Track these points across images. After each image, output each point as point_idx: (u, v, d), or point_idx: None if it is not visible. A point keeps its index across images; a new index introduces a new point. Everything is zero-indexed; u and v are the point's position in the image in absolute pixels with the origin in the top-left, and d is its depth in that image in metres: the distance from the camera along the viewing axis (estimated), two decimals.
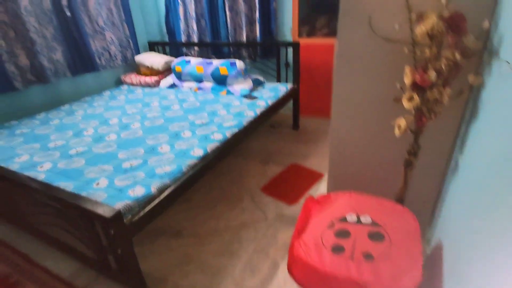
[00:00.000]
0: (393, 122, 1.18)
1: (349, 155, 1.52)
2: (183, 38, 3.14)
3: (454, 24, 0.89)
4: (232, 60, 2.63)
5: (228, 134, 1.81)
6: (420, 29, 0.96)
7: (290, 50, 2.68)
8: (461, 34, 0.91)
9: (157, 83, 2.93)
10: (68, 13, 2.49)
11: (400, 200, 1.32)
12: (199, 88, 2.71)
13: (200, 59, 2.81)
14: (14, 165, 1.55)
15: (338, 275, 0.95)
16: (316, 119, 2.98)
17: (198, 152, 1.60)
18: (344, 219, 1.15)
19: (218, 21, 2.91)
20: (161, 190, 1.34)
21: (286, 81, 2.80)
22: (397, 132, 1.16)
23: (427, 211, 1.45)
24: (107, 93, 2.77)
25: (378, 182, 1.50)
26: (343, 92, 1.41)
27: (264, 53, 2.85)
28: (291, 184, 2.09)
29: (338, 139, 1.52)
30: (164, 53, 3.29)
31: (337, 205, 1.23)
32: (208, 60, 2.75)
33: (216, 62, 2.67)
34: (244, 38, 2.83)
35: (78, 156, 1.64)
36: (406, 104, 1.10)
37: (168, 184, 1.38)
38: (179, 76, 2.83)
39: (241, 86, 2.54)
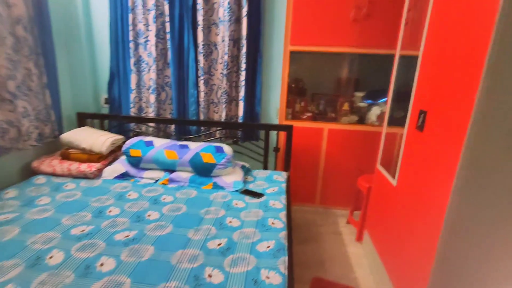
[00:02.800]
0: None
1: (466, 270, 1.21)
2: (132, 112, 2.43)
3: None
4: (217, 144, 2.11)
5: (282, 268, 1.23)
6: None
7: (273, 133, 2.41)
8: None
9: (98, 173, 2.05)
10: None
11: None
12: (171, 181, 2.01)
13: (166, 141, 2.16)
14: None
15: None
16: (302, 207, 2.64)
17: None
18: None
19: (187, 95, 2.40)
20: None
21: (275, 168, 2.43)
22: None
23: None
24: (10, 193, 1.71)
25: None
26: (464, 211, 1.13)
27: (247, 136, 2.45)
28: None
29: (448, 263, 1.19)
30: (102, 128, 2.45)
31: None
32: (180, 143, 2.14)
33: (193, 146, 2.08)
34: (222, 117, 2.39)
35: None
36: None
37: None
38: (135, 162, 2.07)
39: (233, 177, 2.01)
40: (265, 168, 2.40)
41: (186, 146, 2.09)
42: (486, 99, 0.99)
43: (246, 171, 2.20)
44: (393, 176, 1.66)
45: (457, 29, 1.16)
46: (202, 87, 2.34)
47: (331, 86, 2.64)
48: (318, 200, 2.61)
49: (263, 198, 1.84)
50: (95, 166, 2.03)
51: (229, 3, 2.13)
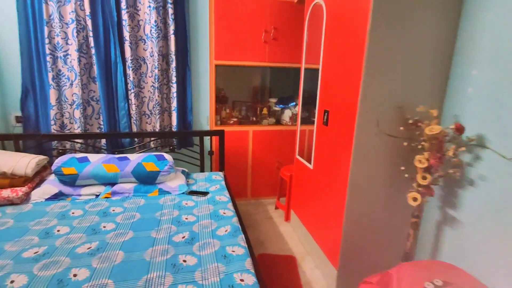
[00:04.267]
0: (409, 195, 1.55)
1: (363, 227, 1.73)
2: (53, 129, 2.30)
3: (457, 129, 1.43)
4: (156, 153, 2.23)
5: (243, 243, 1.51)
6: (430, 131, 1.43)
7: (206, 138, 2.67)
8: (460, 134, 1.45)
9: (25, 197, 1.90)
10: None
11: (411, 256, 1.66)
12: (114, 193, 2.04)
13: (102, 156, 2.15)
14: None
15: None
16: (237, 201, 2.95)
17: None
18: (435, 285, 1.32)
19: (117, 108, 2.41)
20: None
21: (211, 169, 2.67)
22: (413, 203, 1.54)
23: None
24: None
25: (385, 242, 1.79)
26: (359, 177, 1.64)
27: (182, 143, 2.61)
28: (278, 279, 1.95)
29: (353, 215, 1.69)
30: (17, 150, 2.22)
31: (418, 274, 1.38)
32: (118, 156, 2.17)
33: (133, 158, 2.15)
34: (157, 128, 2.50)
35: None
36: (421, 181, 1.51)
37: None
38: (70, 181, 2.00)
39: (176, 182, 2.17)
40: (202, 170, 2.63)
41: (125, 158, 2.14)
42: (363, 100, 1.52)
43: (187, 175, 2.38)
44: (310, 162, 2.16)
45: (343, 49, 1.69)
46: (133, 100, 2.40)
47: (249, 94, 3.08)
48: (249, 193, 2.99)
49: (209, 196, 2.08)
50: (21, 190, 1.88)
51: (155, 22, 2.29)
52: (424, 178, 1.51)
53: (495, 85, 1.35)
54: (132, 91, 2.38)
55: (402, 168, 1.61)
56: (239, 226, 1.69)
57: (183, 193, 2.11)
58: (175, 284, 1.20)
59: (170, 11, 2.31)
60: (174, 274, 1.26)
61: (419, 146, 1.53)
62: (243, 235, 1.58)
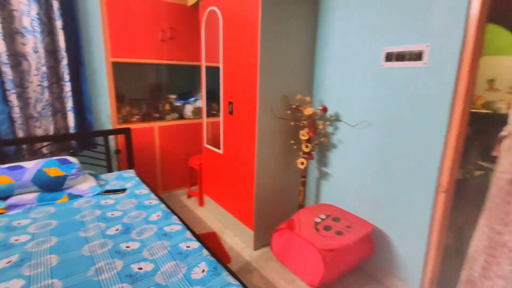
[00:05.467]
0: (298, 161, 2.10)
1: (269, 191, 2.18)
2: None
3: (323, 109, 2.03)
4: (57, 157, 2.06)
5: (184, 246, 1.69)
6: (307, 112, 2.00)
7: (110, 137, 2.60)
8: (325, 113, 2.06)
9: None
10: None
11: (303, 205, 2.24)
12: (11, 207, 1.81)
13: None
14: None
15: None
16: None
17: None
18: (321, 218, 1.88)
19: None
20: None
21: (119, 169, 2.61)
22: (301, 166, 2.10)
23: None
24: None
25: (285, 200, 2.30)
26: (263, 153, 2.07)
27: (84, 145, 2.44)
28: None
29: (261, 183, 2.12)
30: None
31: (310, 214, 1.91)
32: (7, 166, 1.91)
33: (30, 165, 1.94)
34: (50, 131, 2.27)
35: None
36: (305, 149, 2.07)
37: None
38: None
39: (87, 184, 2.10)
40: (110, 171, 2.56)
41: (18, 167, 1.91)
42: (260, 93, 1.95)
43: (95, 177, 2.30)
44: (219, 148, 2.49)
45: (240, 52, 2.07)
46: (15, 101, 2.11)
47: (149, 91, 3.12)
48: (161, 187, 3.07)
49: (127, 192, 2.12)
50: None
51: (38, 15, 2.08)
52: (306, 147, 2.08)
53: (342, 78, 2.02)
54: (13, 91, 2.09)
55: (292, 141, 2.16)
56: (169, 210, 1.86)
57: (97, 194, 2.07)
58: (127, 265, 1.32)
59: (55, 5, 2.13)
60: (122, 258, 1.36)
61: (301, 124, 2.09)
62: (175, 216, 1.78)
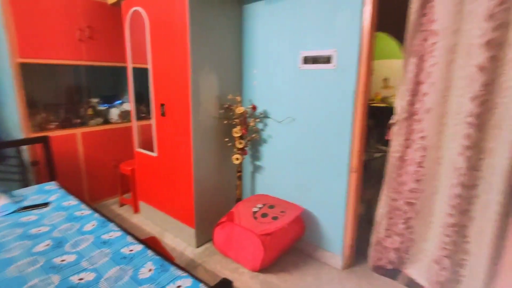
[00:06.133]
0: (233, 157, 2.24)
1: (207, 189, 2.25)
2: None
3: (253, 108, 2.19)
4: None
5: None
6: (239, 111, 2.14)
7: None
8: (255, 111, 2.23)
9: None
10: None
11: (239, 198, 2.39)
12: None
13: None
14: None
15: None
16: None
17: None
18: (258, 207, 2.05)
19: None
20: None
21: (37, 182, 2.33)
22: (237, 161, 2.25)
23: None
24: None
25: (223, 195, 2.40)
26: (199, 151, 2.13)
27: None
28: None
29: (199, 182, 2.18)
30: None
31: (248, 205, 2.06)
32: None
33: None
34: None
35: None
36: (239, 145, 2.22)
37: None
38: None
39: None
40: (26, 185, 2.27)
41: None
42: (194, 94, 2.02)
43: (9, 194, 2.03)
44: (153, 151, 2.45)
45: (171, 54, 2.09)
46: None
47: (68, 95, 2.86)
48: (88, 199, 2.84)
49: (52, 205, 1.94)
50: None
51: None
52: (240, 143, 2.23)
53: (267, 78, 2.23)
54: None
55: (226, 139, 2.28)
56: (104, 218, 1.79)
57: (13, 212, 1.84)
58: (65, 278, 1.25)
59: None
60: (58, 273, 1.29)
61: (234, 122, 2.23)
62: (113, 223, 1.72)
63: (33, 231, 1.63)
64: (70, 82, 2.90)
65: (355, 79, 1.79)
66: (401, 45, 3.98)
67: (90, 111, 2.86)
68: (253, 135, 2.29)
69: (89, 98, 2.98)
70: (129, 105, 3.06)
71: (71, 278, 1.26)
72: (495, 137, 1.51)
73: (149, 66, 2.28)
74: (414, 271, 1.94)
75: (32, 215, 1.81)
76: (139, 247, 1.48)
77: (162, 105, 2.24)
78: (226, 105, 2.22)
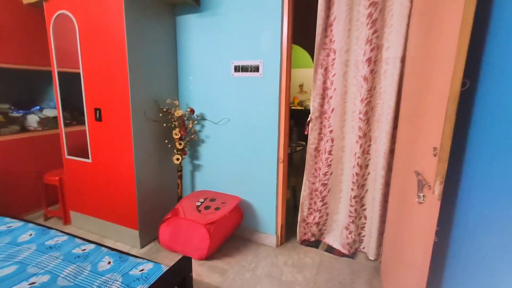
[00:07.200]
0: (174, 157, 2.38)
1: (149, 190, 2.32)
2: None
3: (191, 111, 2.37)
4: None
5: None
6: (177, 114, 2.30)
7: None
8: (193, 114, 2.41)
9: None
10: None
11: (181, 196, 2.53)
12: None
13: None
14: None
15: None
16: None
17: None
18: (200, 202, 2.23)
19: None
20: None
21: None
22: (177, 162, 2.40)
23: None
24: None
25: (165, 195, 2.50)
26: (140, 154, 2.20)
27: None
28: None
29: (141, 184, 2.24)
30: None
31: (191, 200, 2.22)
32: None
33: None
34: None
35: None
36: (178, 146, 2.37)
37: None
38: None
39: None
40: None
41: None
42: (133, 98, 2.10)
43: None
44: (87, 157, 2.39)
45: (106, 59, 2.12)
46: None
47: None
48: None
49: None
50: None
51: None
52: (180, 144, 2.39)
53: (203, 84, 2.45)
54: None
55: (166, 141, 2.41)
56: (43, 226, 1.73)
57: None
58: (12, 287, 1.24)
59: None
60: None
61: (173, 125, 2.38)
62: (54, 230, 1.69)
63: None
64: None
65: (278, 85, 2.17)
66: (312, 57, 4.69)
67: (1, 118, 2.58)
68: (192, 136, 2.47)
69: None
70: (53, 111, 2.87)
71: (19, 285, 1.24)
72: (377, 128, 2.07)
73: (81, 70, 2.24)
74: (330, 239, 2.42)
75: None
76: (91, 246, 1.53)
77: (97, 109, 2.24)
78: (165, 109, 2.35)
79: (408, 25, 1.81)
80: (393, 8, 1.87)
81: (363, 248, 2.30)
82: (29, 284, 1.26)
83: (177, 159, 2.41)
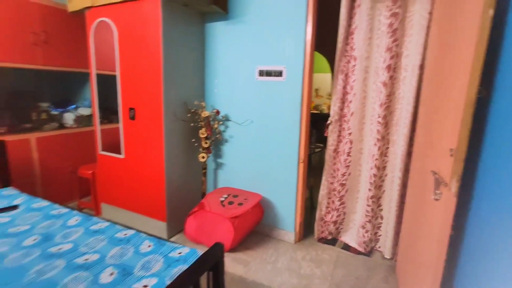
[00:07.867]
0: (199, 155, 2.54)
1: (178, 185, 2.49)
2: None
3: (216, 112, 2.53)
4: None
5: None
6: (204, 115, 2.47)
7: None
8: (218, 115, 2.57)
9: None
10: None
11: (204, 193, 2.68)
12: None
13: None
14: None
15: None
16: None
17: None
18: (224, 197, 2.38)
19: None
20: None
21: None
22: (202, 160, 2.55)
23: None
24: None
25: (191, 191, 2.65)
26: (170, 152, 2.37)
27: None
28: None
29: (170, 179, 2.41)
30: None
31: (215, 196, 2.37)
32: None
33: None
34: None
35: None
36: (204, 145, 2.53)
37: None
38: None
39: None
40: None
41: None
42: (166, 100, 2.27)
43: None
44: (120, 153, 2.58)
45: (142, 64, 2.31)
46: None
47: (12, 99, 2.75)
48: None
49: (21, 207, 1.96)
50: None
51: None
52: (205, 143, 2.55)
53: (228, 87, 2.61)
54: None
55: (193, 140, 2.57)
56: (87, 214, 1.91)
57: None
58: (70, 261, 1.41)
59: None
60: (60, 258, 1.43)
61: (199, 125, 2.54)
62: (96, 217, 1.86)
63: (12, 230, 1.68)
64: (15, 86, 2.80)
65: (300, 90, 2.30)
66: (328, 62, 4.80)
67: (44, 116, 2.81)
68: (217, 136, 2.63)
69: (37, 102, 2.90)
70: (87, 110, 3.09)
71: (76, 260, 1.42)
72: (396, 132, 2.17)
73: (118, 73, 2.43)
74: (347, 238, 2.52)
75: (2, 217, 1.82)
76: (131, 231, 1.69)
77: (131, 109, 2.42)
78: (193, 110, 2.51)
79: (427, 34, 1.91)
80: (413, 18, 1.97)
81: (379, 247, 2.39)
82: (84, 260, 1.42)
83: (203, 157, 2.56)
